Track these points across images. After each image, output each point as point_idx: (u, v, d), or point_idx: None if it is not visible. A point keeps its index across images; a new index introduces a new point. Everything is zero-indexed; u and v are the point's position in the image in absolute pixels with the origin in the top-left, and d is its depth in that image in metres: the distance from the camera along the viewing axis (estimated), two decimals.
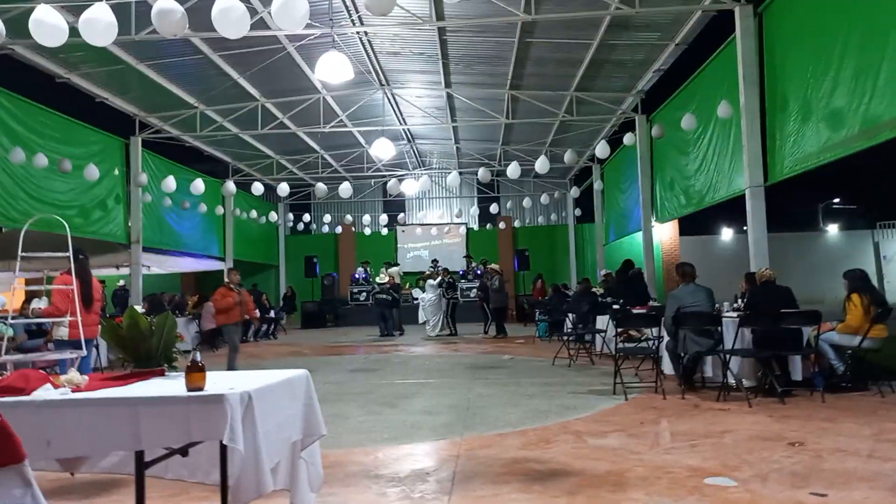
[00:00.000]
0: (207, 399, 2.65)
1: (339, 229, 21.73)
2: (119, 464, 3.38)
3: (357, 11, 10.37)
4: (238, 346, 8.65)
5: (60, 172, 10.99)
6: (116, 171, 13.29)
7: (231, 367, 8.07)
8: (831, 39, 7.16)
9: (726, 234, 22.38)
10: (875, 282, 7.84)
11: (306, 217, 21.73)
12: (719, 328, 6.49)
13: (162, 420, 2.63)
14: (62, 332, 6.52)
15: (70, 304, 6.22)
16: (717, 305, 7.02)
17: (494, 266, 15.28)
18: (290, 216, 22.11)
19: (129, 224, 13.58)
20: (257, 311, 10.41)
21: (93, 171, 11.49)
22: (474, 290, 17.86)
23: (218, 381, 2.91)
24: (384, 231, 21.66)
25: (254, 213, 18.69)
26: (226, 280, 8.90)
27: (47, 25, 5.99)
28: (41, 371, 3.06)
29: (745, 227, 9.24)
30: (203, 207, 15.75)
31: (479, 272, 18.48)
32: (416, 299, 18.68)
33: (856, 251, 21.45)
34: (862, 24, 6.65)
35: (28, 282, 11.19)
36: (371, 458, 4.58)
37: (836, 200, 25.18)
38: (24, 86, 10.76)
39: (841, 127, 7.07)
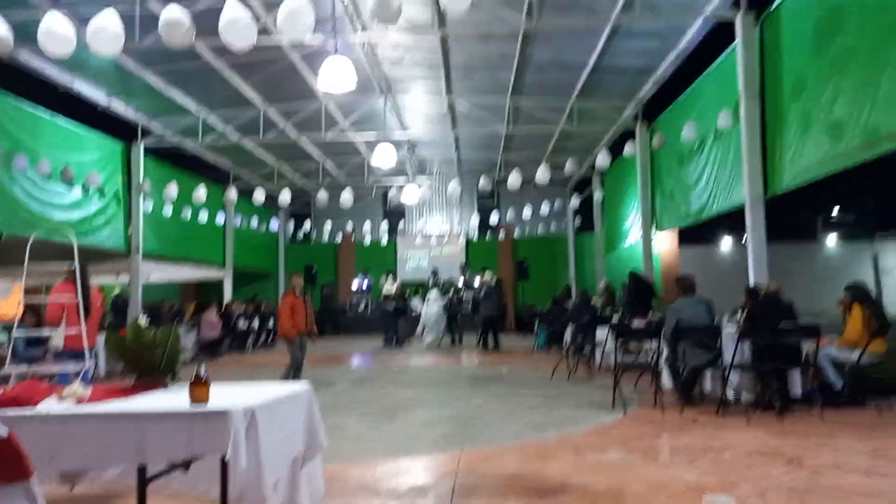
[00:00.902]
0: (211, 414, 2.67)
1: (339, 238, 21.74)
2: (119, 475, 3.39)
3: (359, 18, 10.41)
4: (301, 363, 8.00)
5: (63, 180, 11.02)
6: (118, 178, 13.31)
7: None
8: (833, 50, 7.19)
9: (726, 243, 22.39)
10: (874, 294, 7.84)
11: (307, 225, 21.72)
12: (719, 342, 6.50)
13: (166, 434, 2.65)
14: (58, 342, 6.53)
15: (65, 315, 6.24)
16: (716, 318, 7.02)
17: (486, 275, 15.24)
18: (291, 224, 22.10)
19: (130, 232, 13.59)
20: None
21: (95, 178, 11.53)
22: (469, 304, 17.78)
23: (221, 395, 2.92)
24: (384, 240, 21.68)
25: (255, 222, 18.69)
26: (290, 286, 8.20)
27: (56, 35, 6.03)
28: (46, 383, 3.07)
29: (745, 238, 9.26)
30: (204, 215, 15.76)
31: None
32: (414, 310, 18.72)
33: (855, 262, 21.48)
34: (863, 35, 6.68)
35: (28, 290, 11.17)
36: (370, 473, 4.58)
37: (836, 211, 25.20)
38: (28, 92, 10.80)
39: (841, 138, 7.09)
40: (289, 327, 7.87)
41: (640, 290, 11.17)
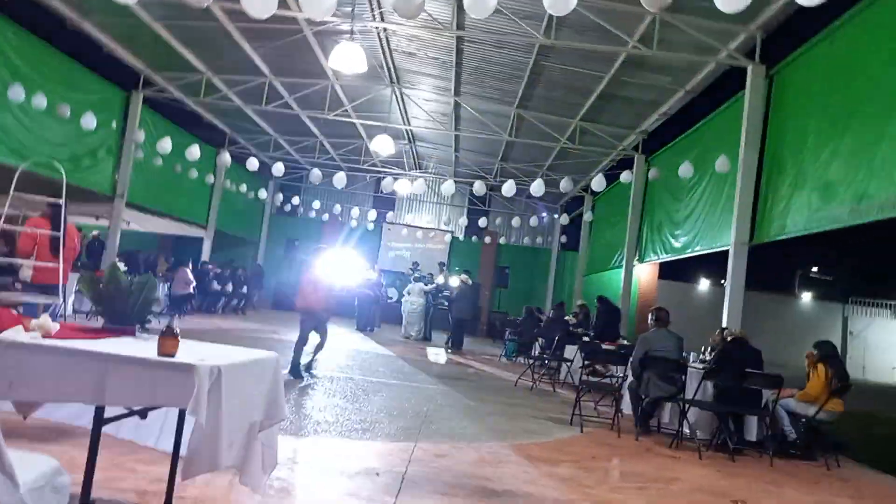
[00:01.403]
0: (177, 367, 2.65)
1: (326, 217, 21.67)
2: (72, 415, 3.37)
3: (380, 7, 10.41)
4: (324, 342, 8.01)
5: (57, 116, 10.85)
6: (114, 124, 13.15)
7: (296, 364, 7.60)
8: (836, 113, 7.32)
9: (704, 284, 22.68)
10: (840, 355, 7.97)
11: (295, 200, 21.63)
12: (683, 377, 6.58)
13: (129, 380, 2.63)
14: (25, 274, 6.46)
15: (36, 248, 6.17)
16: (684, 354, 7.11)
17: (464, 276, 15.29)
18: (280, 196, 21.96)
19: (117, 177, 13.43)
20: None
21: (90, 120, 11.37)
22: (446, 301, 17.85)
23: (188, 351, 2.91)
24: (370, 226, 21.66)
25: (244, 187, 18.57)
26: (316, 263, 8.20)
27: None
28: (14, 312, 3.04)
29: (723, 281, 9.39)
30: (194, 173, 15.62)
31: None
32: (391, 298, 18.74)
33: (825, 322, 21.87)
34: (867, 102, 6.81)
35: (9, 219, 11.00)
36: (324, 451, 4.59)
37: (814, 269, 25.63)
38: (33, 24, 10.61)
39: (832, 199, 7.22)
40: (310, 302, 7.81)
41: (607, 314, 11.32)
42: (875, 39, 6.82)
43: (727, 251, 9.05)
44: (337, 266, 8.31)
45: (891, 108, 6.39)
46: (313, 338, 7.98)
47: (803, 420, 6.43)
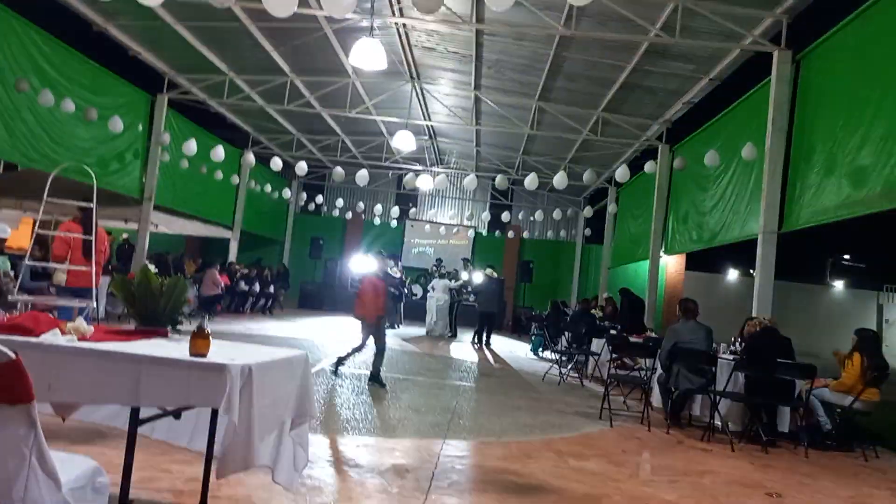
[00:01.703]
0: (209, 367, 2.68)
1: (349, 215, 21.77)
2: (109, 416, 3.43)
3: (399, 2, 10.40)
4: (384, 347, 7.57)
5: (85, 120, 11.04)
6: (140, 127, 13.34)
7: (376, 372, 7.36)
8: (866, 97, 7.15)
9: (732, 274, 22.36)
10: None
11: (319, 198, 21.75)
12: (713, 368, 6.50)
13: (162, 381, 2.67)
14: (60, 278, 6.59)
15: (70, 252, 6.29)
16: (714, 346, 7.02)
17: (489, 270, 15.25)
18: (304, 195, 22.10)
19: (144, 180, 13.63)
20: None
21: (117, 123, 11.54)
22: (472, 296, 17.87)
23: (220, 351, 2.94)
24: (393, 223, 21.73)
25: (268, 188, 18.73)
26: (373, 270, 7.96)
27: None
28: (51, 315, 3.10)
29: (751, 271, 9.25)
30: (219, 175, 15.79)
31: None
32: (415, 295, 18.79)
33: (858, 311, 21.41)
34: None
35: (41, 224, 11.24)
36: (353, 448, 4.62)
37: (846, 257, 25.14)
38: (60, 29, 10.79)
39: (863, 185, 7.07)
40: (371, 310, 7.49)
41: (631, 306, 11.24)
42: None
43: (756, 240, 8.91)
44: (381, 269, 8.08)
45: None
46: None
47: (839, 410, 6.31)
